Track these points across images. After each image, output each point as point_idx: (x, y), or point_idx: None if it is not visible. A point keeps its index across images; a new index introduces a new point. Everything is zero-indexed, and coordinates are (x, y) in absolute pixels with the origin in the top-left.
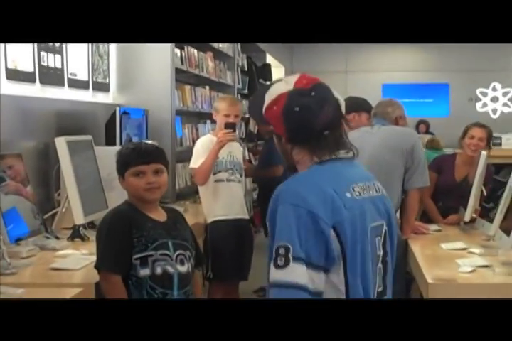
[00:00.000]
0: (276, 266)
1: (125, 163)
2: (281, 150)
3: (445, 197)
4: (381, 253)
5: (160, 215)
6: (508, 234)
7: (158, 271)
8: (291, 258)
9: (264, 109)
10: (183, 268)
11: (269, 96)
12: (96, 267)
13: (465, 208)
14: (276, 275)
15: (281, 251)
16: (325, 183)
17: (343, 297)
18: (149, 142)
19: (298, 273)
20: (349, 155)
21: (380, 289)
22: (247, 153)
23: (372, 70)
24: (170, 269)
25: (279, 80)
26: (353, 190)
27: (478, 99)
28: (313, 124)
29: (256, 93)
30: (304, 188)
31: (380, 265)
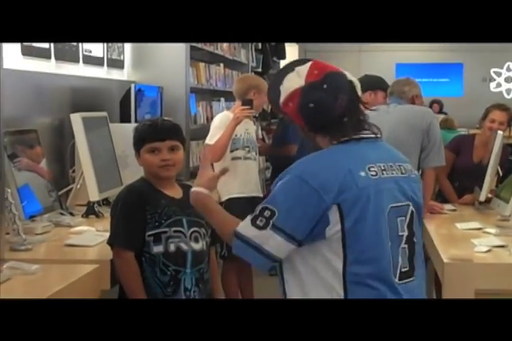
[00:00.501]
0: (254, 224)
1: (141, 139)
2: (305, 136)
3: (462, 178)
4: (405, 233)
5: (175, 192)
6: None
7: (172, 248)
8: (271, 223)
9: (281, 104)
10: (197, 246)
11: (284, 91)
12: (109, 243)
13: (480, 188)
14: (249, 230)
15: (266, 213)
16: (340, 161)
17: (338, 272)
18: (166, 118)
19: (269, 240)
20: (371, 135)
21: (405, 269)
22: (260, 132)
23: (385, 49)
24: (183, 246)
25: (291, 69)
26: (369, 169)
27: (492, 79)
28: (330, 115)
29: (272, 82)
30: (317, 164)
31: (404, 245)
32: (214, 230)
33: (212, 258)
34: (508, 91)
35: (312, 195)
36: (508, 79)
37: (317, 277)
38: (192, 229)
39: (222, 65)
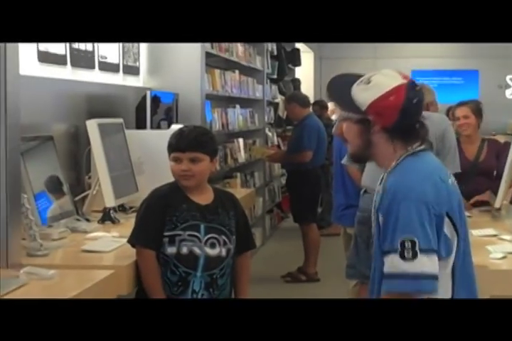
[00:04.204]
0: (403, 258)
1: (169, 147)
2: (364, 139)
3: (464, 180)
4: None
5: (204, 198)
6: None
7: (184, 250)
8: (418, 250)
9: (373, 100)
10: (213, 252)
11: (382, 88)
12: (128, 241)
13: (494, 193)
14: (403, 266)
15: (407, 244)
16: (433, 173)
17: (450, 279)
18: (201, 127)
19: (425, 264)
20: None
21: None
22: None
23: (401, 56)
24: (197, 250)
25: (375, 74)
26: (451, 176)
27: (508, 86)
28: (418, 116)
29: (336, 81)
30: (420, 182)
31: None
32: (246, 238)
33: (245, 265)
34: None
35: (428, 210)
36: None
37: None
38: (209, 235)
39: (237, 71)
